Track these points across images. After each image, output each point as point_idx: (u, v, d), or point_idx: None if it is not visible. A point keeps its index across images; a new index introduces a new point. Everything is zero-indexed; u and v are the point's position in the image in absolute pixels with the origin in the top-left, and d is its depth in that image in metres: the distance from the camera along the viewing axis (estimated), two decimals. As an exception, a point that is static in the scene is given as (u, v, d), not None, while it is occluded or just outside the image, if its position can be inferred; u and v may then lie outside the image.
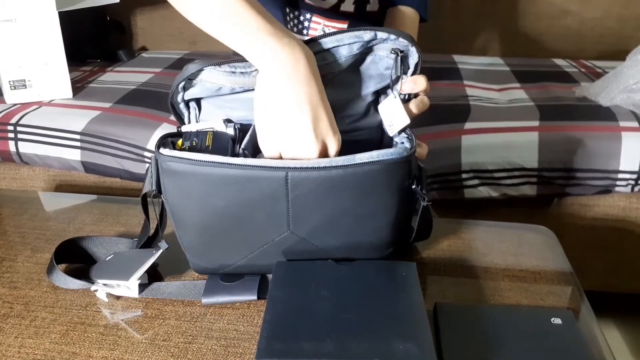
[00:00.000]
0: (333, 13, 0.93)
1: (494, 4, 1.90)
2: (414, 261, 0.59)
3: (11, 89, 1.43)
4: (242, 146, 0.59)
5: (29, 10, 1.38)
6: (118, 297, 0.61)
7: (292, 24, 0.94)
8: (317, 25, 0.93)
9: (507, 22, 1.92)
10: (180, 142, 0.60)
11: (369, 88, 0.64)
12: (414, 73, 0.63)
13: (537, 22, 1.90)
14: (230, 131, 0.62)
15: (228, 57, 0.60)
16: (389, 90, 0.64)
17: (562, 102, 1.44)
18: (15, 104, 1.44)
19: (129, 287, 0.60)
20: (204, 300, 0.59)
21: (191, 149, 0.59)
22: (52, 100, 1.47)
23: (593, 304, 0.61)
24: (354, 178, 0.54)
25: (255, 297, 0.60)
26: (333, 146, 0.56)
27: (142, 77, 1.64)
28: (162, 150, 0.56)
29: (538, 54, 1.92)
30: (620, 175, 1.26)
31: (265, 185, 0.54)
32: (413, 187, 0.57)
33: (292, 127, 0.54)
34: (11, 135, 1.36)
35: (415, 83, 0.63)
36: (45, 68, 1.44)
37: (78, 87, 1.56)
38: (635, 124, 1.29)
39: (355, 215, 0.57)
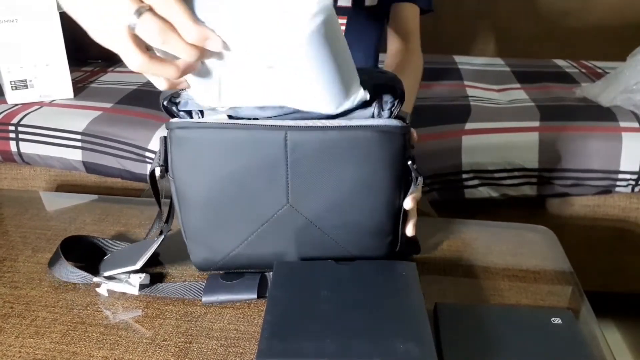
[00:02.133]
0: None
1: (495, 4, 1.90)
2: (414, 261, 0.59)
3: (12, 89, 1.43)
4: None
5: (30, 11, 1.39)
6: (118, 297, 0.61)
7: None
8: None
9: (507, 22, 1.92)
10: None
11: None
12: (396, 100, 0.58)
13: (537, 22, 1.90)
14: None
15: None
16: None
17: (563, 103, 1.44)
18: (16, 104, 1.44)
19: (131, 283, 0.60)
20: (204, 299, 0.59)
21: None
22: (53, 101, 1.47)
23: (593, 304, 0.61)
24: (350, 143, 0.55)
25: (255, 296, 0.60)
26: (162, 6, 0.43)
27: (143, 78, 1.64)
28: (171, 120, 0.57)
29: (538, 55, 1.92)
30: (620, 176, 1.26)
31: (266, 146, 0.55)
32: (409, 163, 0.58)
33: None
34: (12, 135, 1.36)
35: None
36: (47, 68, 1.44)
37: (79, 87, 1.56)
38: (635, 125, 1.29)
39: (353, 187, 0.57)
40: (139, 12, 0.43)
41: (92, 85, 1.59)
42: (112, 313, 0.58)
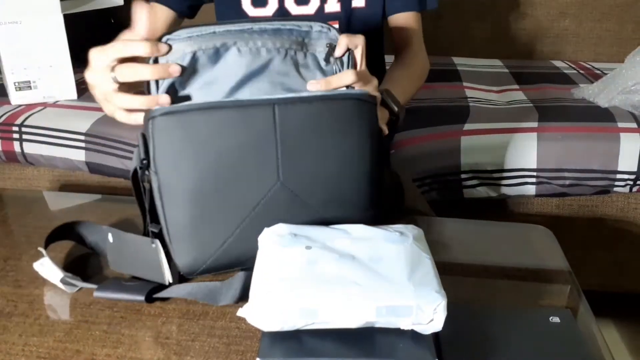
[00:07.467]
0: (319, 17, 0.93)
1: (493, 6, 1.90)
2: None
3: (16, 90, 1.44)
4: None
5: (33, 12, 1.39)
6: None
7: None
8: None
9: (506, 24, 1.93)
10: None
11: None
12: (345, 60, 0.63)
13: (536, 24, 1.90)
14: None
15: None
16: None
17: (561, 104, 1.45)
18: (20, 105, 1.45)
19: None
20: (96, 294, 0.60)
21: None
22: (57, 102, 1.48)
23: (591, 304, 0.61)
24: (333, 114, 0.57)
25: (142, 298, 0.59)
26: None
27: (145, 79, 1.65)
28: (155, 107, 0.56)
29: (537, 56, 1.93)
30: (618, 176, 1.26)
31: (256, 123, 0.55)
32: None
33: None
34: (16, 135, 1.37)
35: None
36: (50, 69, 1.45)
37: (83, 88, 1.56)
38: (633, 125, 1.29)
39: (337, 159, 0.58)
40: (112, 69, 0.63)
41: (94, 86, 1.60)
42: (115, 311, 0.59)
